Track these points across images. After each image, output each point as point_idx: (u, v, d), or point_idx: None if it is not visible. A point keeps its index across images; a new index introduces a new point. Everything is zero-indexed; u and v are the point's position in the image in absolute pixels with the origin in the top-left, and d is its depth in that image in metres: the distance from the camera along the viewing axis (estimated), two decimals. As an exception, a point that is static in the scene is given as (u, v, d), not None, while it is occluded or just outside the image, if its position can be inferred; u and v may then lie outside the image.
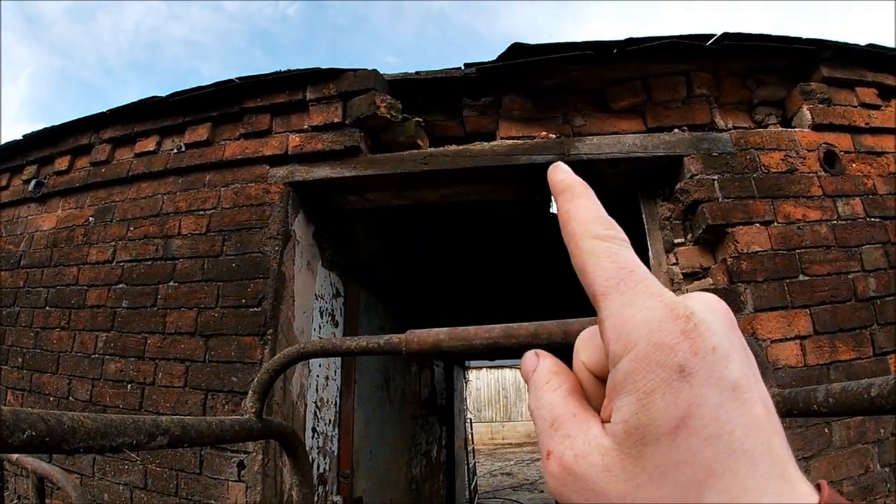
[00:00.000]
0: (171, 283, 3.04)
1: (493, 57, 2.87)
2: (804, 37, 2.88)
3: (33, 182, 3.88)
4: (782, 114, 2.96)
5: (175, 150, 3.37)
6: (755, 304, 2.47)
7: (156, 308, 3.03)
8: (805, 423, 2.29)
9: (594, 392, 0.36)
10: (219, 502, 2.56)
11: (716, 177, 2.69)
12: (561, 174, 0.39)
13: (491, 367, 26.58)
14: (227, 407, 2.68)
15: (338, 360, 3.77)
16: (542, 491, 14.65)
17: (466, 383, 16.79)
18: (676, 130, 2.85)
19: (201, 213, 3.14)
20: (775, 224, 2.62)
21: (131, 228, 3.31)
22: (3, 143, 4.12)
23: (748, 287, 2.49)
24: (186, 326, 2.91)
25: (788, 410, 1.02)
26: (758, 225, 2.61)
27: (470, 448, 13.37)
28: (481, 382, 27.47)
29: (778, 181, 2.71)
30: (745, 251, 2.55)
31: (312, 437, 3.25)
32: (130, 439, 0.71)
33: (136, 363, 2.97)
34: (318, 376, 3.39)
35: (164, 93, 3.35)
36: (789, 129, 2.86)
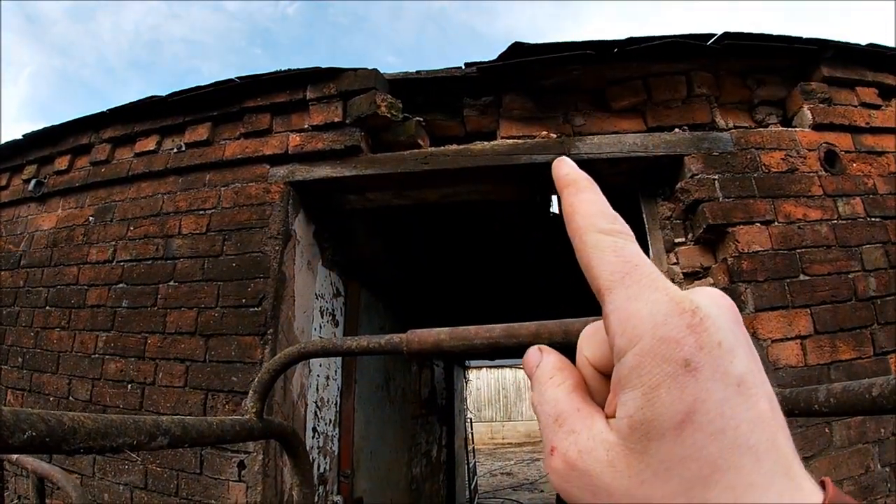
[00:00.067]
0: (172, 283, 3.04)
1: (494, 56, 2.87)
2: (805, 36, 2.88)
3: (33, 182, 3.88)
4: (783, 113, 2.96)
5: (175, 150, 3.37)
6: (756, 303, 2.47)
7: (156, 308, 3.03)
8: (806, 423, 2.29)
9: (598, 388, 0.36)
10: (219, 502, 2.56)
11: (716, 176, 2.69)
12: (566, 168, 0.39)
13: (491, 367, 26.59)
14: (227, 407, 2.68)
15: (338, 359, 3.77)
16: (542, 491, 14.65)
17: (466, 383, 16.80)
18: (677, 130, 2.85)
19: (201, 212, 3.13)
20: (776, 224, 2.62)
21: (131, 228, 3.31)
22: (3, 142, 4.12)
23: (749, 287, 2.49)
24: (187, 326, 2.91)
25: (790, 410, 1.02)
26: (758, 224, 2.61)
27: (470, 448, 13.37)
28: (481, 382, 27.47)
29: (778, 181, 2.71)
30: (746, 251, 2.55)
31: (313, 437, 3.25)
32: (131, 440, 0.71)
33: (136, 363, 2.97)
34: (318, 376, 3.39)
35: (164, 92, 3.35)
36: (790, 129, 2.85)
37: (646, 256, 0.33)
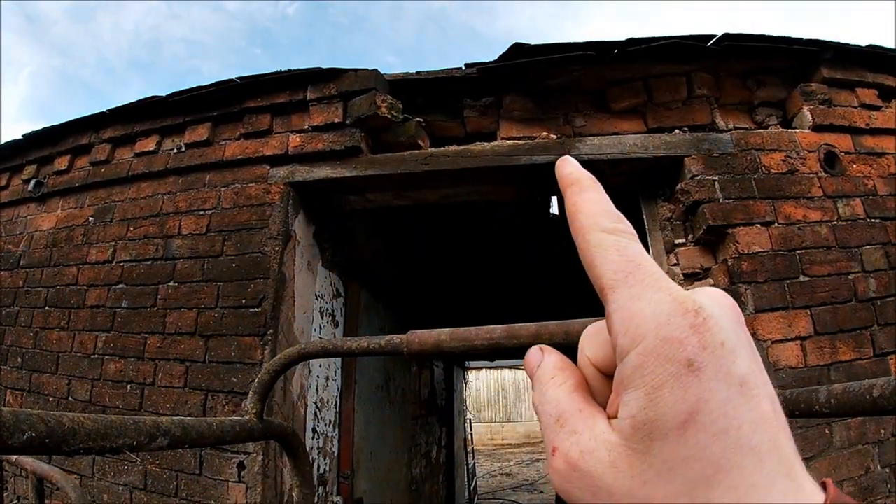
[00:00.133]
0: (171, 284, 3.04)
1: (494, 57, 2.88)
2: (805, 37, 2.88)
3: (33, 182, 3.88)
4: (783, 114, 2.96)
5: (175, 150, 3.37)
6: (756, 304, 2.47)
7: (156, 308, 3.03)
8: (806, 424, 2.29)
9: (599, 388, 0.35)
10: (219, 503, 2.56)
11: (716, 177, 2.69)
12: (569, 167, 0.39)
13: (491, 368, 26.58)
14: (227, 408, 2.68)
15: (338, 360, 3.77)
16: (541, 492, 14.65)
17: (466, 384, 16.79)
18: (677, 131, 2.85)
19: (201, 213, 3.13)
20: (776, 225, 2.62)
21: (131, 228, 3.31)
22: (2, 142, 4.12)
23: (749, 288, 2.49)
24: (186, 327, 2.91)
25: (791, 411, 1.02)
26: (758, 226, 2.61)
27: (469, 449, 13.37)
28: (481, 383, 27.46)
29: (778, 182, 2.71)
30: (746, 252, 2.55)
31: (313, 438, 3.25)
32: (131, 440, 0.71)
33: (135, 363, 2.97)
34: (318, 377, 3.39)
35: (164, 92, 3.36)
36: (790, 130, 2.86)
37: (649, 256, 0.33)
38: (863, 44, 2.90)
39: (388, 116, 2.92)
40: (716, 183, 2.68)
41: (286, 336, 2.85)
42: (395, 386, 5.84)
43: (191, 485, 2.65)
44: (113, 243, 3.33)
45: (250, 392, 1.15)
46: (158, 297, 3.05)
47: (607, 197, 0.36)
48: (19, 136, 3.99)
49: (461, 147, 2.95)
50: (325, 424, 3.49)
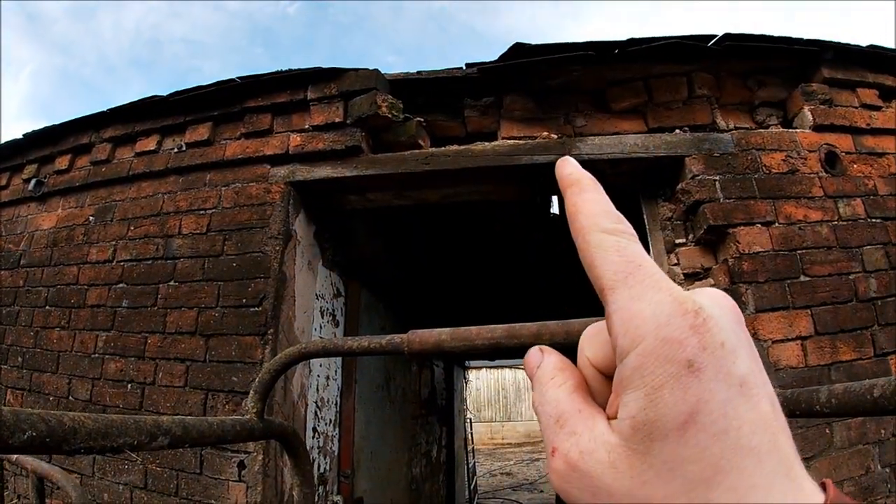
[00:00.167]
0: (172, 283, 3.04)
1: (494, 56, 2.88)
2: (805, 38, 2.88)
3: (33, 181, 3.88)
4: (783, 114, 2.96)
5: (176, 150, 3.37)
6: (756, 304, 2.46)
7: (156, 308, 3.03)
8: (806, 424, 2.29)
9: (599, 388, 0.35)
10: (219, 502, 2.56)
11: (717, 177, 2.69)
12: (569, 168, 0.39)
13: (491, 367, 26.59)
14: (227, 407, 2.68)
15: (338, 359, 3.77)
16: (541, 491, 14.66)
17: (466, 383, 16.80)
18: (678, 131, 2.85)
19: (202, 212, 3.13)
20: (776, 225, 2.62)
21: (132, 228, 3.31)
22: (3, 141, 4.12)
23: (749, 287, 2.49)
24: (187, 326, 2.91)
25: (791, 411, 1.02)
26: (759, 225, 2.61)
27: (470, 448, 13.37)
28: (481, 382, 27.47)
29: (779, 182, 2.71)
30: (747, 252, 2.55)
31: (313, 437, 3.25)
32: (132, 440, 0.71)
33: (136, 363, 2.97)
34: (318, 376, 3.39)
35: (164, 91, 3.36)
36: (790, 130, 2.85)
37: (649, 257, 0.33)
38: (863, 44, 2.90)
39: (389, 116, 2.92)
40: (716, 183, 2.68)
41: (287, 335, 2.85)
42: (395, 385, 5.84)
43: (191, 484, 2.65)
44: (113, 243, 3.33)
45: (251, 391, 1.15)
46: (159, 296, 3.05)
47: (607, 197, 0.36)
48: (20, 136, 3.99)
49: (462, 147, 2.95)
50: (326, 424, 3.49)
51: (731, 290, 2.51)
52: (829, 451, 2.29)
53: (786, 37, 2.83)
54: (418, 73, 3.09)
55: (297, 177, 3.03)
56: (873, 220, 2.70)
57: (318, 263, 3.39)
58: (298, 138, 3.07)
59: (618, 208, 0.36)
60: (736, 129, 2.86)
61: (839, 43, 2.86)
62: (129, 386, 2.95)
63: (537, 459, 20.58)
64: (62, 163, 3.80)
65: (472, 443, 14.28)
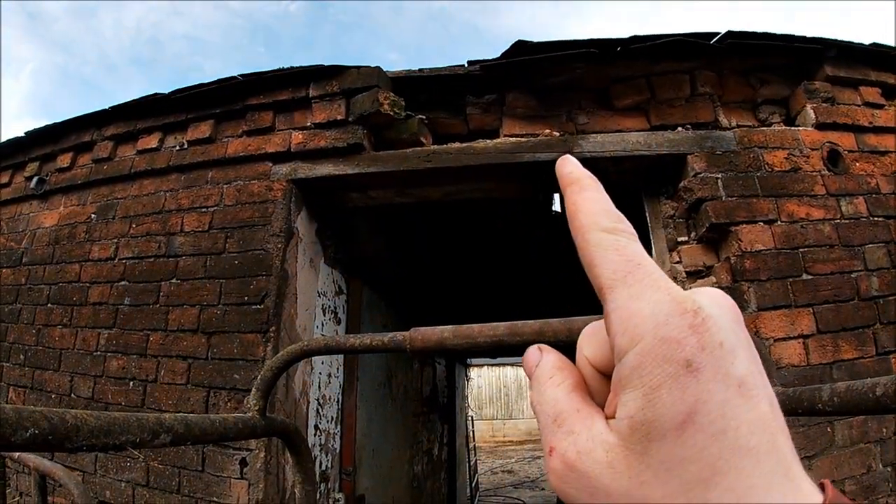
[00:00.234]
0: (174, 281, 3.05)
1: (495, 54, 2.87)
2: (808, 35, 2.87)
3: (35, 179, 3.88)
4: (786, 112, 2.95)
5: (177, 148, 3.37)
6: (758, 302, 2.46)
7: (158, 305, 3.03)
8: (808, 422, 2.29)
9: (598, 388, 0.35)
10: (221, 499, 2.56)
11: (719, 175, 2.69)
12: (569, 167, 0.38)
13: (492, 365, 26.62)
14: (229, 404, 2.69)
15: (340, 357, 3.77)
16: (543, 489, 14.67)
17: (468, 381, 16.82)
18: (680, 129, 2.84)
19: (204, 210, 3.14)
20: (779, 223, 2.62)
21: (133, 225, 3.31)
22: (5, 139, 4.12)
23: (751, 286, 2.49)
24: (189, 324, 2.91)
25: (793, 409, 1.02)
26: (761, 224, 2.60)
27: (471, 446, 13.39)
28: (483, 380, 27.51)
29: (781, 180, 2.71)
30: (749, 250, 2.55)
31: (315, 435, 3.26)
32: (134, 437, 0.71)
33: (138, 360, 2.98)
34: (320, 374, 3.39)
35: (166, 90, 3.36)
36: (793, 128, 2.85)
37: (648, 256, 0.33)
38: (866, 42, 2.90)
39: (391, 113, 2.92)
40: (719, 181, 2.68)
41: (288, 333, 2.86)
42: (397, 383, 5.85)
43: (193, 481, 2.65)
44: (115, 240, 3.34)
45: (253, 389, 1.15)
46: (161, 294, 3.05)
47: (607, 196, 0.36)
48: (21, 134, 3.99)
49: (464, 144, 2.95)
50: (328, 421, 3.50)
51: (734, 289, 2.51)
52: (830, 450, 2.29)
53: (788, 35, 2.83)
54: (420, 70, 3.09)
55: (298, 174, 3.03)
56: (875, 219, 2.70)
57: (319, 261, 3.39)
58: (300, 136, 3.07)
59: (620, 206, 0.36)
60: (738, 126, 2.85)
61: (842, 41, 2.86)
62: (131, 383, 2.96)
63: (538, 457, 20.58)
64: (64, 160, 3.80)
65: (474, 440, 14.30)
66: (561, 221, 4.19)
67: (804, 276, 2.54)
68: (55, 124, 3.82)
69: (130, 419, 0.71)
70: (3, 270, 3.81)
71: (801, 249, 2.58)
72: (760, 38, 2.79)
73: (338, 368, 3.75)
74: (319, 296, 3.38)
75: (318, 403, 3.34)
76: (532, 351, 0.40)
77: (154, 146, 3.43)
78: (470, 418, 14.70)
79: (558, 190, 0.37)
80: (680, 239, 2.81)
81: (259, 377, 1.16)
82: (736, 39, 2.77)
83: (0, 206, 4.12)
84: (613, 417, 0.31)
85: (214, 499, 2.58)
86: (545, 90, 2.98)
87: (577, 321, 0.91)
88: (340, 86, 3.03)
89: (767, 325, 2.42)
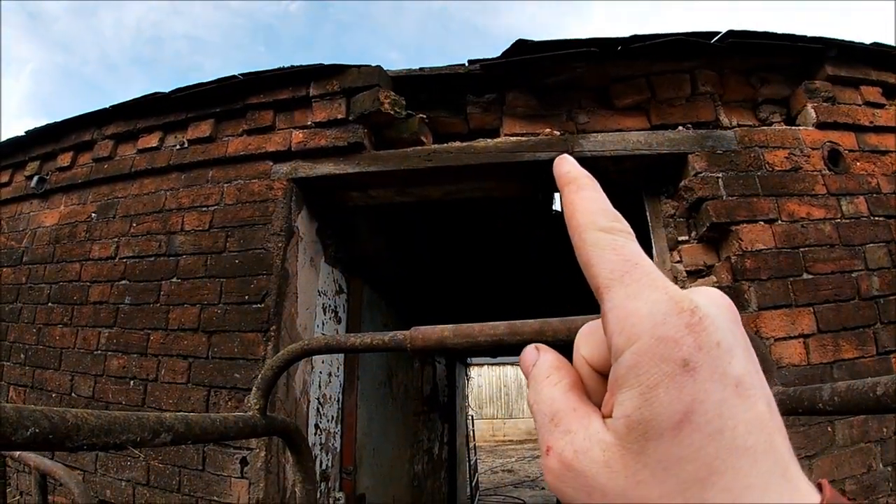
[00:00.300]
0: (174, 280, 3.05)
1: (495, 53, 2.87)
2: (809, 35, 2.87)
3: (35, 178, 3.88)
4: (786, 112, 2.95)
5: (178, 147, 3.37)
6: (759, 302, 2.46)
7: (158, 304, 3.03)
8: (808, 422, 2.29)
9: (595, 387, 0.35)
10: (222, 499, 2.57)
11: (720, 174, 2.69)
12: (567, 166, 0.38)
13: (493, 364, 26.63)
14: (230, 403, 2.69)
15: (340, 356, 3.78)
16: (543, 488, 14.67)
17: (468, 380, 16.82)
18: (681, 128, 2.84)
19: (204, 209, 3.14)
20: (779, 222, 2.61)
21: (134, 225, 3.31)
22: (5, 139, 4.12)
23: (752, 285, 2.49)
24: (189, 323, 2.91)
25: (793, 409, 1.02)
26: (762, 223, 2.60)
27: (471, 445, 13.39)
28: (483, 379, 27.52)
29: (782, 179, 2.70)
30: (750, 249, 2.55)
31: (315, 434, 3.26)
32: (134, 436, 0.71)
33: (138, 360, 2.98)
34: (320, 373, 3.39)
35: (166, 89, 3.36)
36: (793, 128, 2.85)
37: (646, 255, 0.33)
38: (867, 42, 2.90)
39: (391, 113, 2.92)
40: (719, 180, 2.67)
41: (289, 332, 2.86)
42: (397, 382, 5.85)
43: (194, 480, 2.65)
44: (116, 240, 3.34)
45: (253, 388, 1.15)
46: (161, 293, 3.05)
47: (604, 195, 0.36)
48: (22, 133, 3.99)
49: (464, 143, 2.95)
50: (328, 420, 3.50)
51: (734, 288, 2.51)
52: (831, 450, 2.29)
53: (789, 34, 2.83)
54: (421, 69, 3.09)
55: (299, 173, 3.03)
56: (876, 218, 2.70)
57: (320, 260, 3.39)
58: (301, 135, 3.07)
59: (620, 205, 0.36)
60: (739, 126, 2.85)
61: (843, 40, 2.85)
62: (132, 383, 2.96)
63: (538, 457, 20.44)
64: (64, 160, 3.80)
65: (474, 440, 14.30)
66: (561, 221, 4.19)
67: (805, 276, 2.54)
68: (55, 123, 3.82)
69: (131, 418, 0.71)
70: (4, 270, 3.81)
71: (801, 249, 2.58)
72: (761, 38, 2.79)
73: (338, 367, 3.75)
74: (320, 295, 3.38)
75: (319, 402, 3.34)
76: (529, 350, 0.40)
77: (154, 145, 3.43)
78: (470, 417, 14.71)
79: (558, 189, 0.37)
80: (680, 238, 2.81)
81: (260, 376, 1.16)
82: (737, 39, 2.77)
83: (0, 206, 4.12)
84: (610, 417, 0.31)
85: (215, 498, 2.58)
86: (545, 89, 2.98)
87: (578, 321, 0.91)
88: (341, 85, 3.03)
89: (768, 324, 2.42)
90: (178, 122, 3.40)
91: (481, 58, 2.93)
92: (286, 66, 3.12)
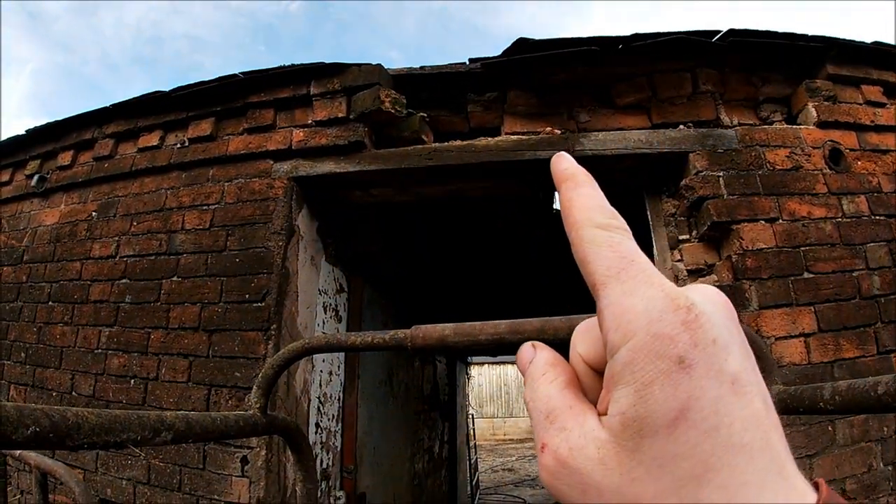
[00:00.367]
0: (175, 278, 3.05)
1: (496, 53, 2.87)
2: (810, 34, 2.87)
3: (36, 177, 3.88)
4: (787, 111, 2.95)
5: (178, 145, 3.37)
6: (760, 301, 2.46)
7: (159, 303, 3.03)
8: (808, 421, 2.28)
9: (591, 385, 0.35)
10: (222, 497, 2.57)
11: (721, 173, 2.68)
12: (564, 163, 0.38)
13: (493, 363, 26.64)
14: (230, 402, 2.69)
15: (341, 355, 3.78)
16: (542, 487, 14.67)
17: (468, 379, 16.81)
18: (682, 127, 2.84)
19: (205, 207, 3.14)
20: (780, 221, 2.61)
21: (134, 223, 3.31)
22: (5, 137, 4.12)
23: (753, 284, 2.49)
24: (190, 321, 2.91)
25: (795, 408, 1.02)
26: (763, 222, 2.60)
27: (472, 444, 13.39)
28: (483, 378, 27.53)
29: (783, 178, 2.70)
30: (750, 248, 2.54)
31: (316, 433, 3.26)
32: (135, 435, 0.71)
33: (139, 358, 2.98)
34: (321, 372, 3.39)
35: (167, 88, 3.35)
36: (794, 127, 2.84)
37: (642, 252, 0.33)
38: (868, 41, 2.89)
39: (392, 111, 2.92)
40: (720, 179, 2.67)
41: (289, 331, 2.86)
42: (398, 381, 5.85)
43: (194, 479, 2.65)
44: (116, 238, 3.34)
45: (254, 387, 1.15)
46: (162, 291, 3.05)
47: (602, 193, 0.36)
48: (22, 132, 3.99)
49: (465, 142, 2.94)
50: (329, 419, 3.50)
51: (735, 287, 2.51)
52: (831, 449, 2.29)
53: (790, 33, 2.82)
54: (421, 68, 3.08)
55: (299, 172, 3.03)
56: (877, 218, 2.70)
57: (320, 259, 3.39)
58: (301, 133, 3.07)
59: (621, 204, 0.36)
60: (740, 125, 2.85)
61: (844, 39, 2.85)
62: (133, 381, 2.96)
63: (539, 455, 20.61)
64: (65, 158, 3.80)
65: (474, 438, 14.30)
66: (561, 221, 4.20)
67: (805, 275, 2.54)
68: (56, 122, 3.83)
69: (131, 417, 0.71)
70: (4, 268, 3.81)
71: (802, 248, 2.58)
72: (762, 37, 2.79)
73: (339, 366, 3.75)
74: (320, 294, 3.38)
75: (320, 401, 3.34)
76: (526, 348, 0.40)
77: (155, 144, 3.43)
78: (470, 416, 14.71)
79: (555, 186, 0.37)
80: (681, 237, 2.81)
81: (260, 375, 1.16)
82: (738, 38, 2.77)
83: (1, 205, 4.12)
84: (606, 414, 0.31)
85: (216, 497, 2.58)
86: (546, 88, 2.98)
87: (579, 319, 0.90)
88: (342, 83, 3.03)
89: (769, 323, 2.42)
90: (178, 121, 3.40)
91: (482, 56, 2.93)
92: (287, 64, 3.12)
